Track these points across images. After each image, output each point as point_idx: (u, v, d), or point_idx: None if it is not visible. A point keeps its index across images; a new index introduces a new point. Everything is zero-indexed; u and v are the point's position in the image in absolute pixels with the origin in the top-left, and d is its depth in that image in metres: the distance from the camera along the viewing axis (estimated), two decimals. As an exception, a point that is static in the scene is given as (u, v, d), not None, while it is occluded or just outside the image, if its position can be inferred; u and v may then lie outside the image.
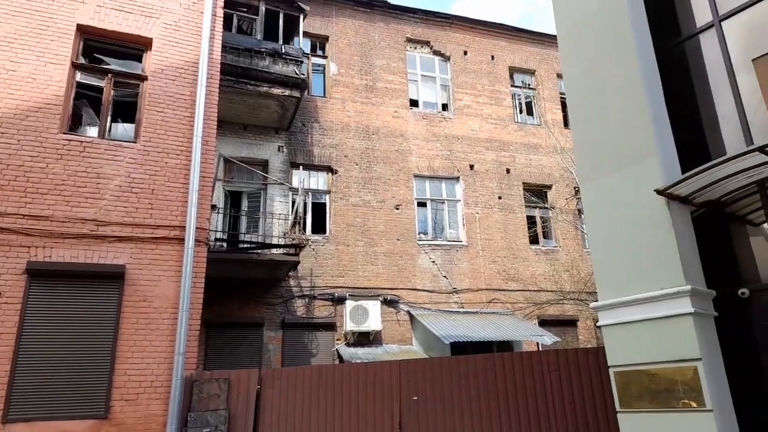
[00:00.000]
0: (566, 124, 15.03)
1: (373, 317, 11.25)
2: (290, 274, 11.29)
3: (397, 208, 12.75)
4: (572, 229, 14.17)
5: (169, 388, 6.68)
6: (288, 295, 11.32)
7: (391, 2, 14.17)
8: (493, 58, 15.06)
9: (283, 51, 11.19)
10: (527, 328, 11.76)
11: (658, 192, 4.88)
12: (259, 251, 10.09)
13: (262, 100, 11.20)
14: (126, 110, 8.29)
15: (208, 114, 7.98)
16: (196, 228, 7.41)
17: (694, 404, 4.35)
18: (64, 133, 7.23)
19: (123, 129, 8.35)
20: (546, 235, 14.24)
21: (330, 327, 11.34)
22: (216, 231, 9.90)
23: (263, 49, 11.01)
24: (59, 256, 6.72)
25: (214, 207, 10.47)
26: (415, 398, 6.45)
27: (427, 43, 14.54)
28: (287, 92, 11.05)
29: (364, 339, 11.35)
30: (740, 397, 4.67)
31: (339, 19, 13.70)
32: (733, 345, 4.87)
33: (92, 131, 7.67)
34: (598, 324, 5.26)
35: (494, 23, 15.23)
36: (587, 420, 5.64)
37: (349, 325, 11.08)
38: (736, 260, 5.09)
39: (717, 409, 4.34)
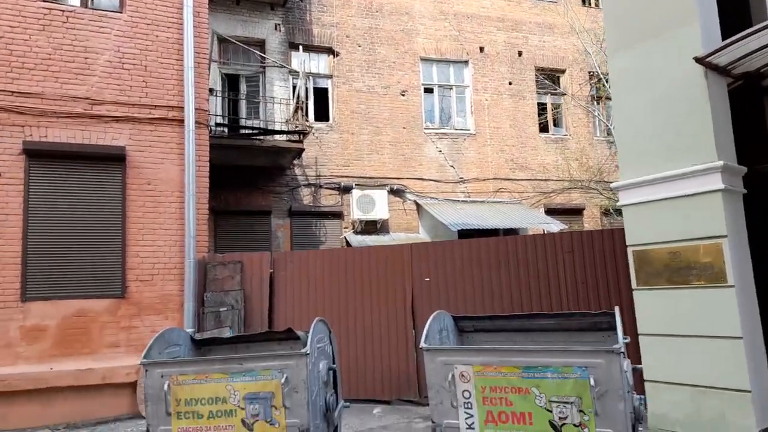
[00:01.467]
0: (584, 0, 13.95)
1: (380, 206, 11.19)
2: (295, 162, 11.04)
3: (403, 95, 12.19)
4: (584, 116, 13.69)
5: (183, 270, 6.72)
6: (294, 183, 11.16)
7: None
8: (509, -76, 13.57)
9: None
10: (534, 216, 11.76)
11: (698, 60, 4.47)
12: (261, 138, 9.74)
13: (256, -30, 10.22)
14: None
15: (200, -20, 7.24)
16: (196, 109, 7.02)
17: (716, 281, 4.31)
18: (44, 0, 6.58)
19: (107, -1, 7.62)
20: (556, 123, 13.80)
21: (337, 215, 11.32)
22: (215, 115, 9.47)
23: None
24: (55, 136, 6.41)
25: (211, 91, 9.97)
26: (427, 279, 6.50)
27: None
28: (284, -39, 10.02)
29: (372, 227, 11.39)
30: (763, 274, 4.64)
31: None
32: (759, 222, 4.76)
33: (73, 1, 6.99)
34: (618, 204, 5.11)
35: None
36: (599, 299, 5.70)
37: (357, 214, 11.05)
38: (768, 136, 4.83)
39: (739, 285, 4.30)
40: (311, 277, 6.88)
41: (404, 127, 12.06)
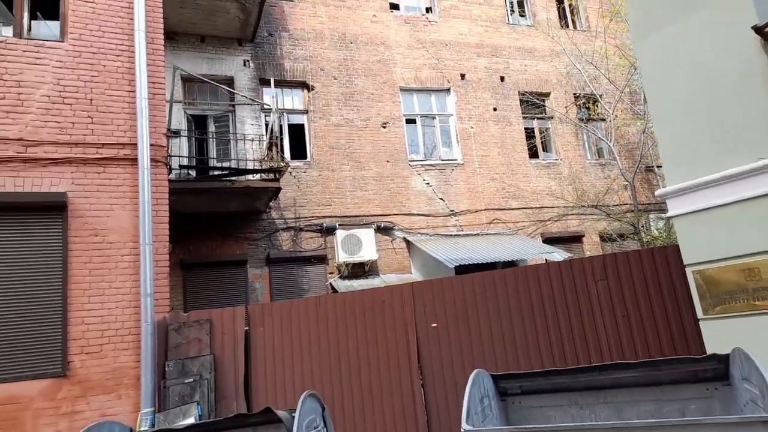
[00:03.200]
0: (563, 23, 13.60)
1: (367, 246, 10.19)
2: (271, 204, 10.04)
3: (384, 127, 11.42)
4: (573, 139, 13.08)
5: (139, 336, 5.55)
6: (271, 228, 10.13)
7: None
8: (479, -49, 13.31)
9: (240, -59, 9.39)
10: (534, 245, 10.87)
11: (757, 30, 3.70)
12: (233, 179, 8.76)
13: (218, 1, 9.50)
14: (48, 3, 6.64)
15: (151, 2, 6.41)
16: (151, 145, 6.04)
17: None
18: (-35, 30, 5.66)
19: (46, 27, 6.73)
20: (545, 148, 13.15)
21: (321, 260, 10.26)
22: (180, 157, 8.50)
23: (215, -61, 9.20)
24: (-22, 184, 5.34)
25: (176, 133, 9.05)
26: (434, 325, 5.45)
27: (404, -64, 12.69)
28: (249, -9, 9.35)
29: (359, 270, 10.34)
30: None
31: None
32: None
33: (6, 31, 6.09)
34: (667, 215, 4.22)
35: None
36: (645, 335, 4.71)
37: (342, 256, 10.01)
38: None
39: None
40: (294, 332, 5.77)
41: (388, 161, 11.23)
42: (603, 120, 12.79)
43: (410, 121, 11.87)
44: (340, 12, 11.62)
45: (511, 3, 13.73)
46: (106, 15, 6.21)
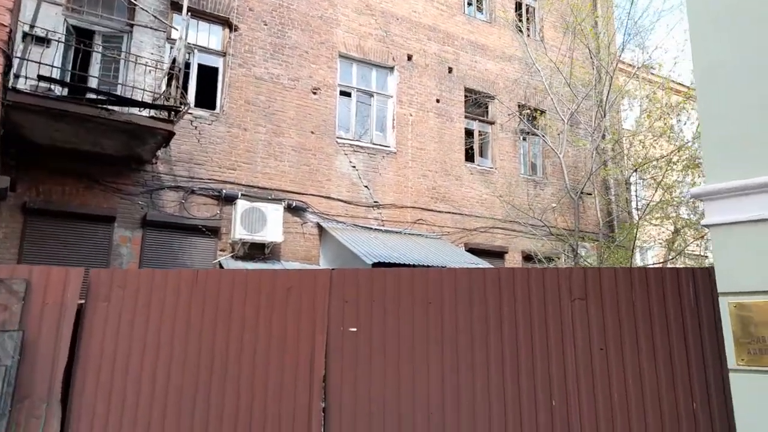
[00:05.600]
0: (517, 28, 12.83)
1: (272, 225, 8.53)
2: (159, 154, 8.07)
3: (315, 93, 9.83)
4: (511, 149, 12.30)
5: None
6: (155, 183, 8.13)
7: None
8: (444, -71, 12.20)
9: None
10: (459, 254, 9.80)
11: None
12: (112, 108, 6.72)
13: None
14: None
15: None
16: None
17: None
18: None
19: None
20: (482, 154, 12.25)
21: (213, 232, 8.42)
22: (41, 64, 6.32)
23: None
24: None
25: (45, 41, 6.88)
26: (354, 329, 4.00)
27: None
28: None
29: (258, 252, 8.63)
30: None
31: None
32: None
33: None
34: (704, 222, 3.12)
35: None
36: (642, 384, 3.55)
37: (239, 232, 8.26)
38: None
39: None
40: (154, 316, 4.04)
41: (313, 132, 9.65)
42: (540, 136, 12.14)
43: (345, 94, 10.38)
44: (285, -50, 9.90)
45: (468, -6, 12.77)
46: None
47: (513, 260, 11.67)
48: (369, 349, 3.94)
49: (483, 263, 9.35)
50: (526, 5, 13.61)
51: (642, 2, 34.61)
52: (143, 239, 7.80)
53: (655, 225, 10.18)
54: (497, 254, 11.46)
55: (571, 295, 3.84)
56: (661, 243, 11.44)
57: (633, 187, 12.10)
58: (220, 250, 8.50)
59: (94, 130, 6.86)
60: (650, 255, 13.59)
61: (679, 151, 9.86)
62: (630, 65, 11.98)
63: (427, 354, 3.90)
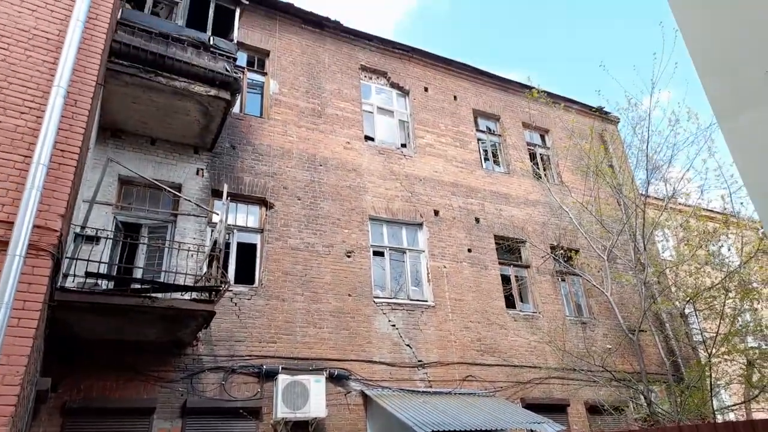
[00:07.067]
0: (536, 176, 13.33)
1: (315, 399, 8.07)
2: (201, 336, 8.03)
3: (349, 256, 10.02)
4: (552, 292, 11.97)
5: None
6: (195, 366, 7.96)
7: (345, 25, 12.36)
8: (455, 98, 13.44)
9: (212, 43, 8.73)
10: (517, 412, 8.98)
11: None
12: (154, 295, 6.86)
13: (177, 101, 8.49)
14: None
15: (87, 62, 5.20)
16: (35, 226, 4.34)
17: None
18: None
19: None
20: (522, 298, 11.91)
21: (253, 413, 7.96)
22: (89, 261, 6.63)
23: (184, 37, 8.50)
24: None
25: (94, 239, 7.34)
26: None
27: (384, 74, 12.70)
28: (213, 92, 8.43)
29: (301, 431, 8.06)
30: None
31: (283, 35, 11.61)
32: None
33: None
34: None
35: (457, 62, 13.78)
36: None
37: (281, 411, 7.81)
38: None
39: None
40: None
41: (349, 294, 9.63)
42: (580, 275, 11.86)
43: (378, 254, 10.56)
44: (312, 134, 10.89)
45: (485, 151, 13.55)
46: (20, 66, 4.92)
47: (577, 414, 10.64)
48: None
49: (548, 421, 8.49)
50: (540, 154, 14.32)
51: (654, 136, 36.14)
52: (183, 430, 7.40)
53: (727, 359, 9.29)
54: (558, 408, 10.50)
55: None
56: (734, 378, 10.35)
57: (691, 320, 11.37)
58: (262, 433, 7.97)
59: (137, 319, 6.94)
60: (726, 394, 12.27)
61: (729, 277, 9.40)
62: (657, 198, 12.06)
63: None
